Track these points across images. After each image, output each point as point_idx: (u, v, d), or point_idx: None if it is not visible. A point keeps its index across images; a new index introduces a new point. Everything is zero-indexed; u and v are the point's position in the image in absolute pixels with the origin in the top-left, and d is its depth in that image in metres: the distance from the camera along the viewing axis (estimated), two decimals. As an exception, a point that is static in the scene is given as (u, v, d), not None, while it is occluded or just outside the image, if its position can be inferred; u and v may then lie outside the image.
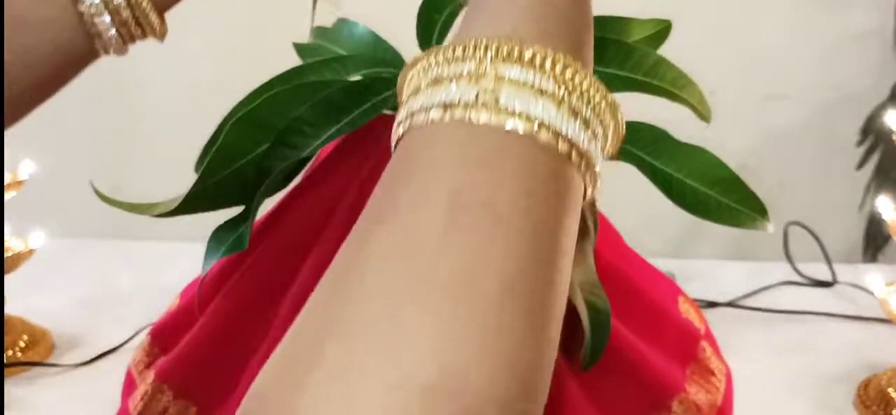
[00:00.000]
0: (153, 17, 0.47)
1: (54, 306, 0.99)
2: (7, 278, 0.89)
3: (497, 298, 0.27)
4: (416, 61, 0.33)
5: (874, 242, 1.58)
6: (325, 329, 0.27)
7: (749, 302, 1.02)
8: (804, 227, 1.11)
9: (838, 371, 0.87)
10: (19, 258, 0.88)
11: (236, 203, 0.57)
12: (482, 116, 0.30)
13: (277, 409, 0.26)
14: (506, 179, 0.30)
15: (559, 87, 0.31)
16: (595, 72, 0.35)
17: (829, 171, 1.73)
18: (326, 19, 0.67)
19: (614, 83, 0.56)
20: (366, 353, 0.26)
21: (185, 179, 0.56)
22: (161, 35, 0.49)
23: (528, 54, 0.31)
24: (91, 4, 0.45)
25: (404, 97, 0.33)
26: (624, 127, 0.34)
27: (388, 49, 0.62)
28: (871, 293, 0.85)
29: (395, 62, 0.61)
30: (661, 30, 0.62)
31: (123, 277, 1.08)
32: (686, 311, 0.66)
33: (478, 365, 0.26)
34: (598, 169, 0.33)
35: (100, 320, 0.97)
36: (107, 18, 0.45)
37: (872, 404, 0.80)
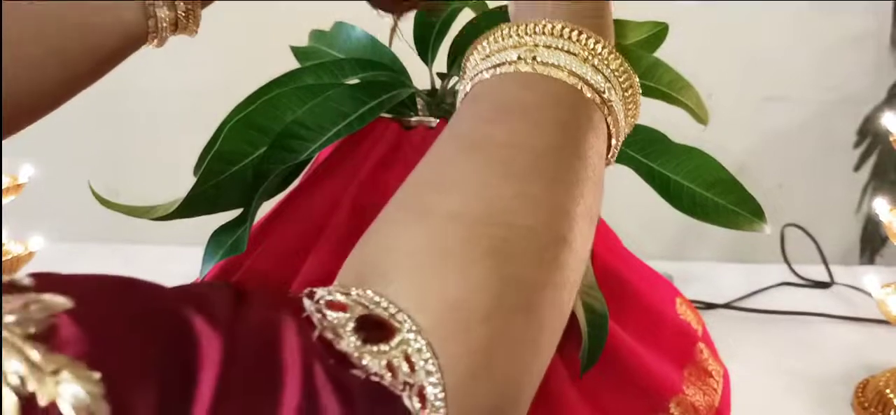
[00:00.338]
0: (198, 14, 0.53)
1: (53, 311, 0.99)
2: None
3: (531, 164, 0.37)
4: (473, 47, 0.43)
5: (871, 243, 1.59)
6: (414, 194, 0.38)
7: (747, 303, 1.02)
8: (801, 228, 1.11)
9: (836, 372, 0.87)
10: (18, 262, 0.88)
11: (235, 206, 0.57)
12: (522, 67, 0.40)
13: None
14: (543, 103, 0.39)
15: (584, 50, 0.40)
16: None
17: (827, 172, 1.74)
18: (325, 23, 0.68)
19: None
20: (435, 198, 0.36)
21: (183, 183, 0.56)
22: (193, 33, 0.54)
23: (557, 28, 0.40)
24: None
25: (465, 71, 0.43)
26: (639, 91, 0.43)
27: (385, 53, 0.62)
28: (869, 294, 0.85)
29: (392, 66, 0.61)
30: (658, 32, 0.62)
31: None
32: (683, 313, 0.66)
33: (515, 206, 0.35)
34: (618, 112, 0.41)
35: (98, 324, 0.97)
36: (166, 10, 0.51)
37: (870, 406, 0.80)
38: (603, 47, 0.41)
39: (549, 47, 0.40)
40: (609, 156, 0.43)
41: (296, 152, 0.56)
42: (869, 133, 1.56)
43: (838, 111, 1.74)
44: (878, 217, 0.80)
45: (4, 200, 0.88)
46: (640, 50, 0.59)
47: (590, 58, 0.40)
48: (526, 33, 0.41)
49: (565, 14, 0.42)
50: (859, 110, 1.72)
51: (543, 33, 0.40)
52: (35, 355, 0.25)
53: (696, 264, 1.14)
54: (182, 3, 0.52)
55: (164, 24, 0.52)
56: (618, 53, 0.41)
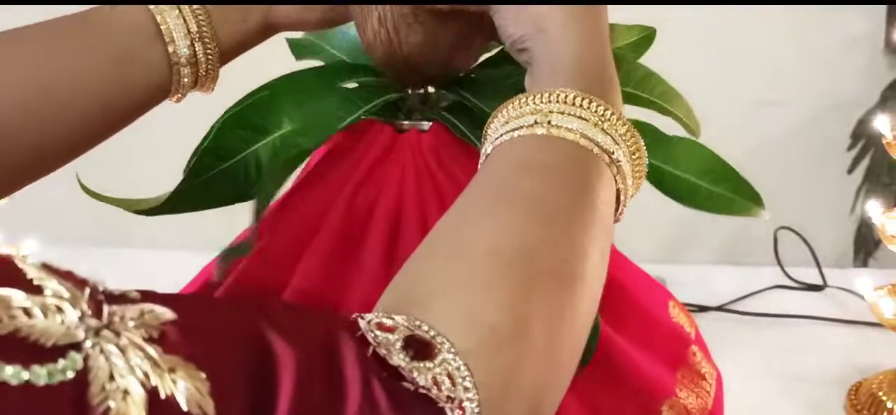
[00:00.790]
0: (216, 74, 0.57)
1: (45, 314, 0.99)
2: (-2, 286, 0.89)
3: (552, 212, 0.43)
4: (495, 114, 0.48)
5: (865, 245, 1.59)
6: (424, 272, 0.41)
7: (740, 306, 1.02)
8: (794, 231, 1.11)
9: (829, 375, 0.88)
10: (11, 266, 0.88)
11: (223, 203, 0.57)
12: (538, 131, 0.45)
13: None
14: (559, 162, 0.44)
15: (594, 116, 0.45)
16: None
17: (820, 175, 1.74)
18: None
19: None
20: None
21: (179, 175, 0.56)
22: (210, 90, 0.58)
23: (570, 96, 0.46)
24: (181, 56, 0.55)
25: (487, 136, 0.48)
26: (646, 154, 0.48)
27: None
28: (862, 297, 0.85)
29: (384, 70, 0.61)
30: (646, 36, 0.62)
31: (113, 286, 1.07)
32: (676, 316, 0.66)
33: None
34: (626, 171, 0.46)
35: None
36: (188, 69, 0.55)
37: (863, 408, 0.80)
38: (611, 113, 0.46)
39: (562, 113, 0.45)
40: (618, 213, 0.48)
41: (289, 152, 0.56)
42: (862, 136, 1.56)
43: (832, 115, 1.75)
44: (872, 219, 0.80)
45: (-3, 204, 0.88)
46: (633, 60, 0.59)
47: (599, 122, 0.45)
48: (542, 102, 0.46)
49: (577, 84, 0.47)
50: (853, 114, 1.72)
51: (557, 101, 0.46)
52: (155, 354, 0.29)
53: (689, 267, 1.14)
54: (204, 65, 0.56)
55: (186, 82, 0.56)
56: (625, 119, 0.46)
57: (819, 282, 1.08)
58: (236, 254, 0.55)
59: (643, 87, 0.61)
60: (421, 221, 0.55)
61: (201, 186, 0.57)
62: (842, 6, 1.74)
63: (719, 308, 1.01)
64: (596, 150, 0.45)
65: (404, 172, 0.56)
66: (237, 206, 0.58)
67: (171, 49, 0.54)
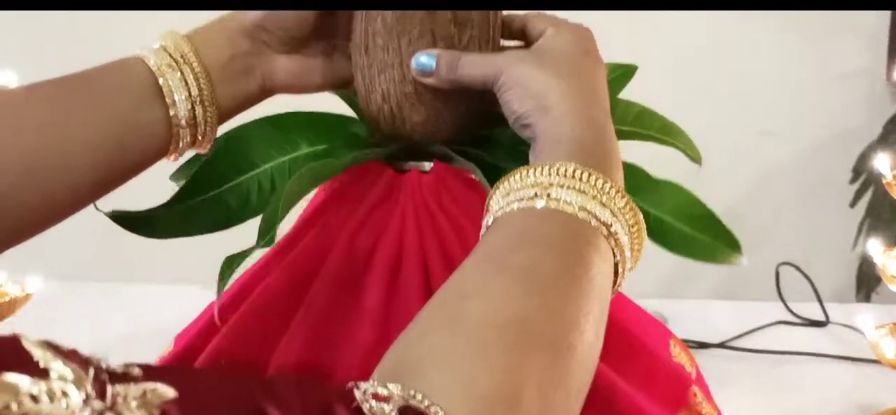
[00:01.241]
0: (213, 135, 0.58)
1: (48, 350, 0.99)
2: (2, 324, 0.89)
3: (548, 283, 0.43)
4: (497, 186, 0.49)
5: (867, 281, 1.59)
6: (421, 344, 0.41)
7: (741, 343, 1.02)
8: (795, 267, 1.11)
9: (831, 413, 0.87)
10: (16, 303, 0.88)
11: (219, 227, 0.59)
12: (538, 203, 0.46)
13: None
14: (557, 234, 0.45)
15: (592, 189, 0.46)
16: None
17: (822, 208, 1.74)
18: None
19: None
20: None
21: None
22: (204, 150, 0.59)
23: (570, 170, 0.47)
24: (181, 118, 0.56)
25: (489, 207, 0.49)
26: (644, 226, 0.48)
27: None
28: (864, 334, 0.85)
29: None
30: (624, 72, 0.65)
31: (118, 322, 1.08)
32: (677, 355, 0.66)
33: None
34: (624, 243, 0.47)
35: (94, 364, 0.97)
36: (187, 131, 0.56)
37: (865, 447, 0.80)
38: (610, 187, 0.47)
39: (562, 187, 0.46)
40: (616, 284, 0.48)
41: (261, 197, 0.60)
42: (864, 170, 1.56)
43: (834, 147, 1.75)
44: (873, 259, 0.80)
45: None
46: (627, 103, 0.60)
47: (598, 195, 0.46)
48: (542, 175, 0.47)
49: (578, 158, 0.48)
50: (855, 146, 1.72)
51: (558, 175, 0.47)
52: None
53: (689, 302, 1.14)
54: (202, 127, 0.57)
55: (184, 142, 0.57)
56: (624, 193, 0.47)
57: (821, 318, 1.08)
58: (241, 258, 0.55)
59: (640, 124, 0.62)
60: (421, 263, 0.55)
61: (199, 205, 0.59)
62: (843, 36, 1.75)
63: (721, 345, 1.01)
64: (594, 222, 0.46)
65: (405, 214, 0.57)
66: (238, 239, 0.59)
67: (172, 112, 0.55)
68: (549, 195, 0.46)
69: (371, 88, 0.57)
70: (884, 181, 0.78)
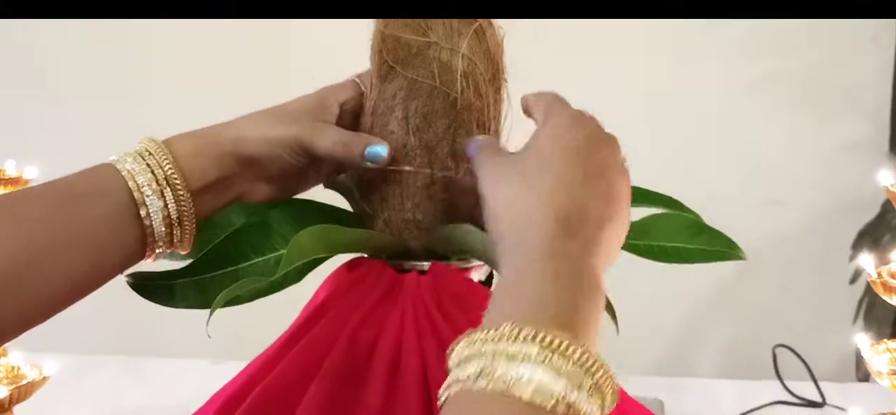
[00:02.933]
0: (190, 242, 0.59)
1: (65, 429, 1.02)
2: (21, 406, 0.92)
3: None
4: (456, 342, 0.43)
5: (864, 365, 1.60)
6: None
7: (739, 424, 1.03)
8: (790, 349, 1.13)
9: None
10: (33, 386, 0.91)
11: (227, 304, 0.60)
12: (482, 384, 0.40)
13: None
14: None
15: (547, 350, 0.40)
16: None
17: (825, 282, 1.75)
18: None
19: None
20: None
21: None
22: (185, 251, 0.59)
23: (522, 333, 0.40)
24: (158, 237, 0.56)
25: (449, 366, 0.43)
26: (617, 394, 0.42)
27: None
28: (861, 417, 0.86)
29: None
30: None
31: (131, 398, 1.10)
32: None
33: None
34: (585, 409, 0.40)
35: (109, 443, 1.00)
36: (162, 246, 0.57)
37: None
38: (567, 346, 0.40)
39: (512, 358, 0.40)
40: None
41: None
42: (862, 247, 1.58)
43: (835, 217, 1.76)
44: (862, 354, 0.82)
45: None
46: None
47: (549, 358, 0.40)
48: (490, 341, 0.41)
49: (538, 304, 0.43)
50: (857, 216, 1.74)
51: (506, 340, 0.40)
52: None
53: (689, 380, 1.16)
54: (179, 238, 0.58)
55: (159, 251, 0.58)
56: (589, 351, 0.41)
57: (818, 399, 1.09)
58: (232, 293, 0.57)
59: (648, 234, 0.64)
60: (420, 363, 0.58)
61: (217, 279, 0.61)
62: (846, 110, 1.77)
63: (719, 427, 1.03)
64: (547, 402, 0.39)
65: (404, 314, 0.60)
66: (253, 316, 0.61)
67: (148, 231, 0.56)
68: (499, 376, 0.40)
69: (376, 215, 0.61)
70: (869, 280, 0.81)
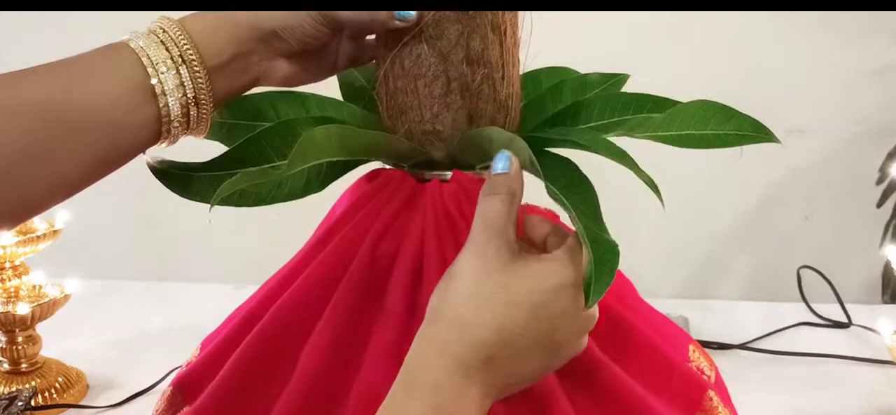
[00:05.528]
0: (207, 125, 0.57)
1: (89, 348, 1.03)
2: (43, 323, 0.92)
3: None
4: None
5: (892, 283, 1.58)
6: None
7: (763, 344, 1.03)
8: (816, 270, 1.11)
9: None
10: (55, 304, 0.91)
11: (240, 204, 0.60)
12: None
13: None
14: None
15: None
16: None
17: (850, 207, 1.73)
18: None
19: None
20: None
21: (217, 211, 0.58)
22: (201, 135, 0.58)
23: None
24: (174, 117, 0.54)
25: None
26: None
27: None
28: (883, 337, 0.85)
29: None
30: (617, 81, 0.68)
31: (155, 319, 1.11)
32: (697, 359, 0.67)
33: None
34: None
35: (132, 361, 1.01)
36: (179, 126, 0.55)
37: (885, 448, 0.80)
38: None
39: None
40: None
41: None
42: (890, 171, 1.55)
43: (863, 145, 1.74)
44: (892, 266, 0.81)
45: (41, 247, 0.92)
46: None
47: None
48: None
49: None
50: (883, 143, 1.71)
51: None
52: None
53: (714, 302, 1.15)
54: (195, 120, 0.56)
55: (176, 134, 0.56)
56: None
57: (844, 319, 1.08)
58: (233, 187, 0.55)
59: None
60: (442, 267, 0.57)
61: (233, 177, 0.57)
62: (872, 32, 1.73)
63: (742, 346, 1.02)
64: None
65: (426, 220, 0.59)
66: (276, 243, 0.59)
67: (164, 112, 0.54)
68: None
69: (395, 127, 0.60)
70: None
